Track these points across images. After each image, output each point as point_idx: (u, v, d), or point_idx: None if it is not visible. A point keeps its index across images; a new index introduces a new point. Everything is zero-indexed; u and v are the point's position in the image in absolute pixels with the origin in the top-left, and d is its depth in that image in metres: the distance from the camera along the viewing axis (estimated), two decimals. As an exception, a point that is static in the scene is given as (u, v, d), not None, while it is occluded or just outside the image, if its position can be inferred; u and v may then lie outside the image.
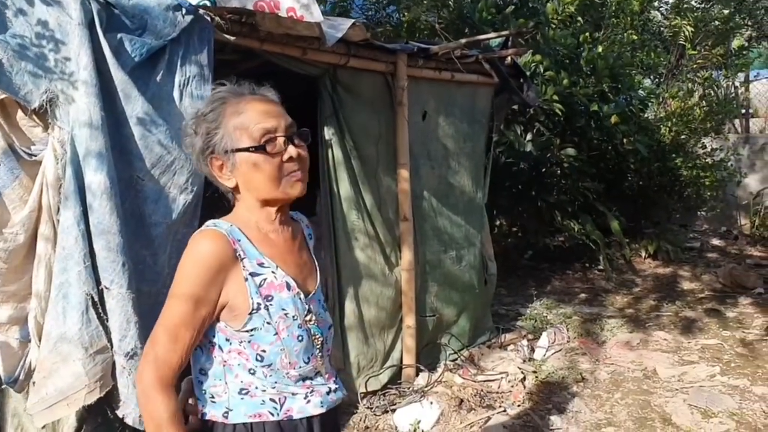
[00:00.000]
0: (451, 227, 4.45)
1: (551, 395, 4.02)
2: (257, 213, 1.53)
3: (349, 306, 3.80)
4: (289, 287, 1.51)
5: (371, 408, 3.77)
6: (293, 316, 1.50)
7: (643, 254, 7.39)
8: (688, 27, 7.61)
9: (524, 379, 4.19)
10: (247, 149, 1.46)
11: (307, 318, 1.55)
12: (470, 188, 4.63)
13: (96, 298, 2.43)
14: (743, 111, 10.07)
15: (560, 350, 4.75)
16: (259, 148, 1.45)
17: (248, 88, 1.53)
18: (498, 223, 7.47)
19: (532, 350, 4.70)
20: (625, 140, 6.66)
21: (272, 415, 1.50)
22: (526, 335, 4.97)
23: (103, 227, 2.43)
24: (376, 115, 3.88)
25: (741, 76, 9.87)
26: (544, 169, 6.74)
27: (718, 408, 3.75)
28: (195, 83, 2.75)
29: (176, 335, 1.42)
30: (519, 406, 3.86)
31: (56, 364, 2.40)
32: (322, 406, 1.57)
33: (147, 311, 2.48)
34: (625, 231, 7.04)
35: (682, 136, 7.40)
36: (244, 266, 1.45)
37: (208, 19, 2.82)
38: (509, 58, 4.66)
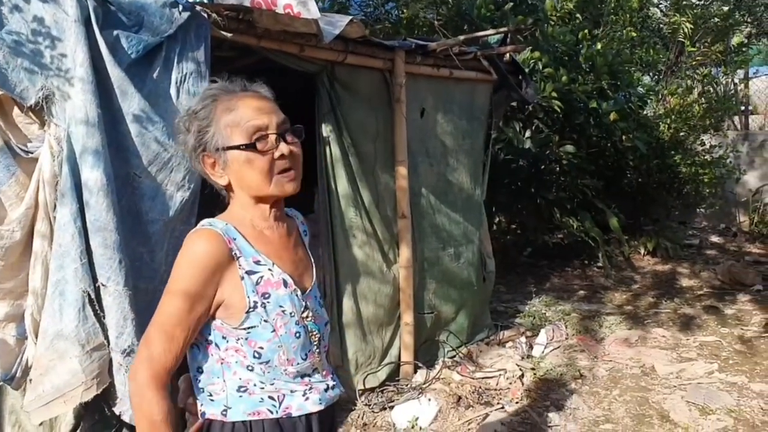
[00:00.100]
0: (450, 224, 4.45)
1: (549, 392, 4.02)
2: (251, 210, 1.53)
3: (347, 303, 3.80)
4: (286, 284, 1.50)
5: (369, 405, 3.77)
6: (290, 313, 1.50)
7: (642, 251, 7.40)
8: (688, 24, 7.61)
9: (522, 376, 4.19)
10: (237, 147, 1.45)
11: (304, 314, 1.54)
12: (469, 185, 4.62)
13: (93, 295, 2.43)
14: (742, 108, 10.06)
15: (559, 347, 4.75)
16: (250, 146, 1.44)
17: (240, 84, 1.51)
18: (497, 220, 7.48)
19: (531, 347, 4.70)
20: (624, 137, 6.67)
21: (271, 412, 1.50)
22: (525, 332, 4.97)
23: (99, 224, 2.42)
24: (374, 112, 3.87)
25: (740, 73, 9.87)
26: (543, 166, 6.74)
27: (716, 405, 3.76)
28: (192, 80, 2.74)
29: (171, 335, 1.42)
30: (517, 403, 3.86)
31: (53, 361, 2.40)
32: (320, 404, 1.57)
33: (144, 308, 2.47)
34: (624, 228, 7.05)
35: (681, 133, 7.41)
36: (240, 265, 1.45)
37: (205, 15, 2.81)
38: (508, 54, 4.66)
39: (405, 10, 6.36)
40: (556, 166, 6.79)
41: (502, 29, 4.70)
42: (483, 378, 4.13)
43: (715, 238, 8.42)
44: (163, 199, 2.67)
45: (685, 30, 7.67)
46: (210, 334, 1.49)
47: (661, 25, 8.67)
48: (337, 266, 3.76)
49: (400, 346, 4.12)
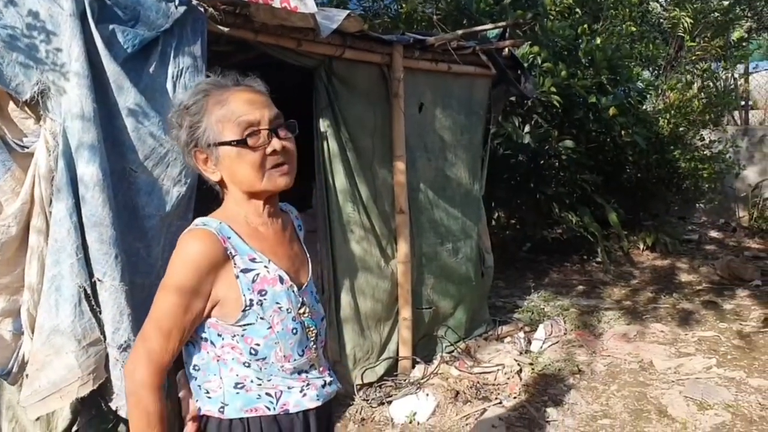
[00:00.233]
0: (448, 219, 4.45)
1: (547, 387, 4.02)
2: (245, 206, 1.51)
3: (345, 298, 3.80)
4: (282, 280, 1.49)
5: (367, 400, 3.78)
6: (287, 309, 1.49)
7: (642, 246, 7.40)
8: (687, 18, 7.59)
9: (520, 371, 4.19)
10: (229, 143, 1.43)
11: (301, 311, 1.53)
12: (467, 180, 4.62)
13: (89, 291, 2.43)
14: (742, 103, 10.04)
15: (557, 342, 4.75)
16: (241, 142, 1.42)
17: (232, 79, 1.49)
18: (496, 215, 7.48)
19: (529, 342, 4.70)
20: (623, 132, 6.65)
21: (268, 409, 1.49)
22: (523, 327, 4.97)
23: (95, 219, 2.41)
24: (372, 107, 3.86)
25: (740, 68, 9.84)
26: (542, 161, 6.74)
27: (714, 400, 3.76)
28: (188, 75, 2.73)
29: (168, 334, 1.42)
30: (515, 398, 3.86)
31: (49, 356, 2.40)
32: (318, 400, 1.56)
33: (140, 303, 2.47)
34: (623, 223, 7.05)
35: (681, 129, 7.39)
36: (235, 263, 1.43)
37: (202, 10, 2.80)
38: (506, 49, 4.64)
39: (404, 5, 6.34)
40: (555, 161, 6.79)
41: (500, 24, 4.68)
42: (481, 373, 4.13)
43: (714, 234, 8.41)
44: (159, 194, 2.66)
45: (685, 25, 7.65)
46: (205, 332, 1.48)
47: (661, 20, 8.64)
48: (335, 261, 3.76)
49: (398, 341, 4.12)
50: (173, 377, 1.65)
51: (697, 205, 8.73)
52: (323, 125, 3.62)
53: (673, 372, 4.20)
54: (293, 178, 1.50)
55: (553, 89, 5.65)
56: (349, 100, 3.73)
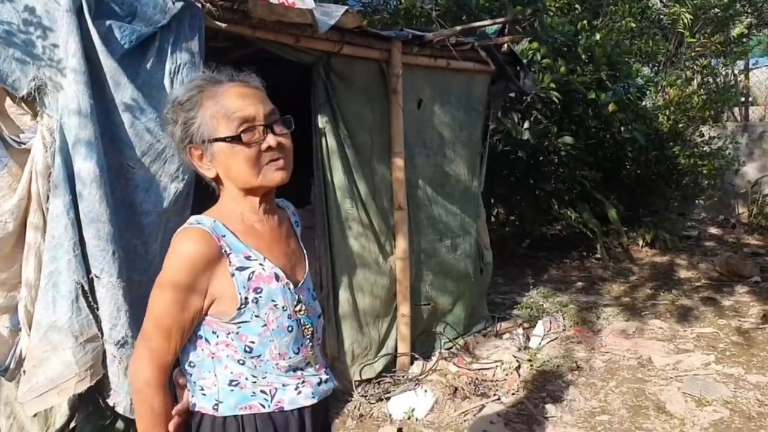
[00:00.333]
0: (447, 216, 4.44)
1: (546, 383, 4.02)
2: (241, 203, 1.50)
3: (344, 294, 3.80)
4: (277, 278, 1.48)
5: (366, 396, 3.78)
6: (282, 307, 1.48)
7: (641, 243, 7.39)
8: (687, 14, 7.58)
9: (519, 367, 4.19)
10: (223, 139, 1.42)
11: (297, 308, 1.53)
12: (466, 177, 4.61)
13: (86, 287, 2.43)
14: (742, 99, 10.02)
15: (556, 339, 4.75)
16: (236, 138, 1.41)
17: (227, 74, 1.48)
18: (495, 211, 7.47)
19: (528, 339, 4.70)
20: (622, 128, 6.65)
21: (263, 407, 1.49)
22: (522, 324, 4.97)
23: (92, 216, 2.41)
24: (371, 103, 3.85)
25: (741, 64, 9.82)
26: (541, 158, 6.73)
27: (713, 396, 3.76)
28: (186, 71, 2.72)
29: (168, 333, 1.43)
30: (513, 394, 3.86)
31: (46, 352, 2.40)
32: (313, 397, 1.55)
33: (138, 300, 2.47)
34: (622, 219, 7.04)
35: (680, 125, 7.39)
36: (230, 262, 1.43)
37: (199, 6, 2.79)
38: (506, 45, 4.63)
39: (402, 1, 6.32)
40: (554, 158, 6.78)
41: (499, 20, 4.67)
42: (479, 369, 4.13)
43: (713, 230, 8.41)
44: (157, 190, 2.66)
45: (685, 21, 7.64)
46: (200, 329, 1.48)
47: (661, 16, 8.63)
48: (334, 258, 3.75)
49: (397, 337, 4.12)
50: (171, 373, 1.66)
51: (697, 201, 8.72)
52: (321, 121, 3.61)
53: (672, 368, 4.20)
54: (289, 173, 1.49)
55: (552, 85, 5.64)
56: (348, 96, 3.72)
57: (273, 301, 1.47)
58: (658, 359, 4.33)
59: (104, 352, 2.49)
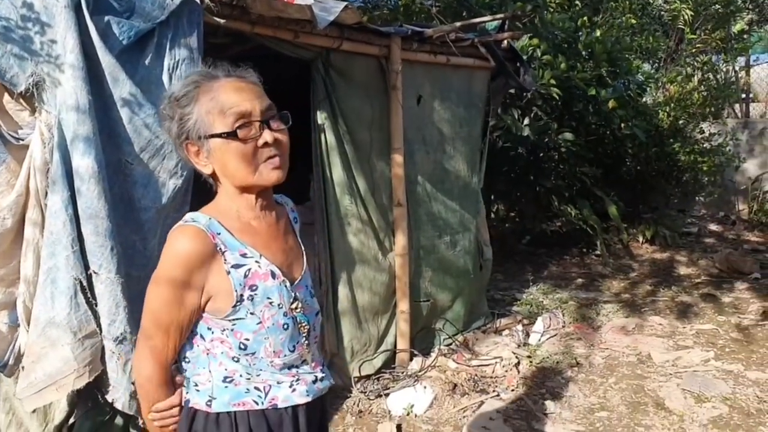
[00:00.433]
0: (446, 212, 4.44)
1: (545, 380, 4.03)
2: (238, 200, 1.49)
3: (343, 291, 3.80)
4: (274, 275, 1.48)
5: (365, 392, 3.78)
6: (278, 305, 1.47)
7: (641, 239, 7.39)
8: (688, 11, 7.57)
9: (518, 363, 4.19)
10: (219, 135, 1.40)
11: (293, 306, 1.52)
12: (466, 173, 4.60)
13: (84, 283, 2.42)
14: (743, 96, 10.00)
15: (555, 335, 4.75)
16: (231, 134, 1.40)
17: (224, 69, 1.46)
18: (495, 208, 7.46)
19: (527, 335, 4.70)
20: (623, 125, 6.64)
21: (256, 403, 1.48)
22: (522, 320, 4.97)
23: (91, 212, 2.41)
24: (370, 100, 3.85)
25: (741, 60, 9.80)
26: (541, 154, 6.72)
27: (712, 393, 3.76)
28: (184, 67, 2.71)
29: (167, 331, 1.44)
30: (513, 390, 3.87)
31: (45, 348, 2.40)
32: (307, 395, 1.55)
33: (136, 296, 2.45)
34: (622, 216, 7.04)
35: (681, 121, 7.38)
36: (225, 259, 1.42)
37: (198, 1, 2.77)
38: (506, 41, 4.62)
39: (403, -4, 6.31)
40: (554, 154, 6.77)
41: (499, 16, 4.66)
42: (479, 366, 4.13)
43: (713, 227, 8.40)
44: (155, 186, 2.66)
45: (686, 17, 7.63)
46: (195, 326, 1.48)
47: (662, 12, 8.61)
48: (333, 254, 3.75)
49: (396, 333, 4.12)
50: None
51: (697, 198, 8.71)
52: (320, 117, 3.60)
53: (671, 365, 4.20)
54: (286, 171, 1.48)
55: (552, 82, 5.63)
56: (347, 93, 3.71)
57: (268, 298, 1.46)
58: (658, 356, 4.33)
59: (103, 348, 2.49)
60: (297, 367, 1.55)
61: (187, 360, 1.51)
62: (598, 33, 6.27)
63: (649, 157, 7.27)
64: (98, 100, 2.47)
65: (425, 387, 3.77)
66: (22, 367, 2.45)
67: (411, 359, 4.15)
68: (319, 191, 3.72)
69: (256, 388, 1.49)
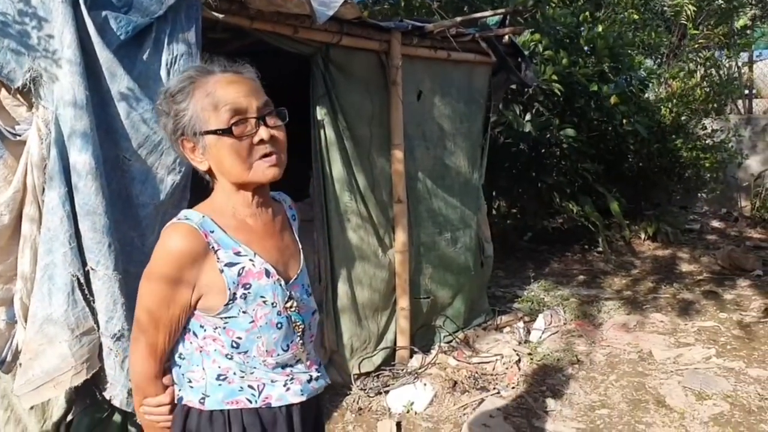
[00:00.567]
0: (447, 209, 4.42)
1: (546, 377, 4.01)
2: (234, 197, 1.48)
3: (342, 288, 3.78)
4: (268, 274, 1.46)
5: (364, 389, 3.77)
6: (272, 303, 1.46)
7: (643, 236, 7.36)
8: (691, 6, 7.52)
9: (519, 361, 4.18)
10: (214, 132, 1.39)
11: (288, 305, 1.50)
12: (466, 169, 4.58)
13: (82, 280, 2.41)
14: (746, 92, 9.96)
15: (556, 332, 4.74)
16: (227, 131, 1.38)
17: (219, 65, 1.45)
18: (497, 204, 7.44)
19: (528, 332, 4.69)
20: (624, 121, 6.61)
21: (250, 402, 1.47)
22: (523, 317, 4.96)
23: (88, 208, 2.39)
24: (370, 95, 3.83)
25: (744, 56, 9.75)
26: (543, 150, 6.70)
27: (713, 390, 3.75)
28: (183, 62, 2.69)
29: (158, 326, 1.43)
30: (513, 388, 3.85)
31: (42, 345, 2.39)
32: (302, 394, 1.53)
33: (134, 292, 2.38)
34: (624, 212, 7.01)
35: (683, 117, 7.34)
36: (218, 258, 1.41)
37: (196, -4, 2.76)
38: (507, 36, 4.60)
39: (404, -8, 6.28)
40: (556, 150, 6.75)
41: (500, 11, 4.63)
42: (479, 363, 4.12)
43: (716, 223, 8.37)
44: (153, 182, 2.64)
45: (688, 12, 7.58)
46: (188, 323, 1.47)
47: (664, 8, 8.55)
48: (332, 251, 3.73)
49: (396, 330, 4.11)
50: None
51: (699, 194, 8.68)
52: (320, 113, 3.58)
53: (672, 362, 4.19)
54: (283, 169, 1.46)
55: (554, 77, 5.60)
56: (347, 88, 3.69)
57: (262, 297, 1.44)
58: (659, 353, 4.31)
59: (100, 345, 2.48)
60: (291, 366, 1.53)
61: (181, 357, 1.50)
62: (600, 28, 6.24)
63: (651, 153, 7.24)
64: (96, 96, 2.45)
65: (425, 384, 3.76)
66: (20, 364, 2.44)
67: (411, 356, 4.14)
68: (318, 187, 3.70)
69: (250, 387, 1.48)
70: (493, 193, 6.98)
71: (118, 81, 2.50)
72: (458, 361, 4.11)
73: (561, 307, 5.23)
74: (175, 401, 1.51)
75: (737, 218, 8.54)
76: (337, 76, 3.63)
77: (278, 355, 1.49)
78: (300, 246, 1.64)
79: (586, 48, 6.21)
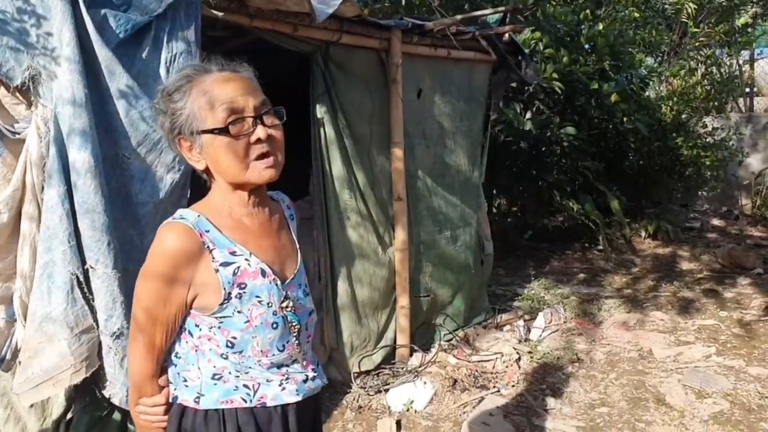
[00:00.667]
0: (447, 207, 4.42)
1: (546, 376, 4.01)
2: (230, 196, 1.48)
3: (342, 286, 3.78)
4: (264, 274, 1.46)
5: (364, 388, 3.77)
6: (267, 303, 1.45)
7: (643, 234, 7.36)
8: (691, 4, 7.51)
9: (519, 359, 4.18)
10: (211, 131, 1.38)
11: (284, 305, 1.49)
12: (467, 167, 4.58)
13: (81, 278, 2.41)
14: (747, 90, 9.94)
15: (557, 331, 4.73)
16: (223, 130, 1.37)
17: (217, 64, 1.44)
18: (497, 202, 7.44)
19: (529, 330, 4.69)
20: (625, 119, 6.61)
21: (245, 401, 1.47)
22: (523, 315, 4.96)
23: (87, 206, 2.39)
24: (370, 93, 3.82)
25: (745, 54, 9.74)
26: (543, 148, 6.69)
27: (713, 388, 3.74)
28: (182, 60, 2.69)
29: (153, 325, 1.43)
30: (513, 386, 3.85)
31: (42, 344, 2.39)
32: (297, 394, 1.53)
33: (133, 291, 2.45)
34: (625, 211, 7.01)
35: (684, 116, 7.33)
36: (213, 257, 1.40)
37: (195, -6, 2.76)
38: (507, 35, 4.59)
39: (405, -10, 6.26)
40: (556, 148, 6.74)
41: (501, 9, 4.62)
42: (479, 361, 4.12)
43: (716, 221, 8.36)
44: (153, 181, 2.64)
45: (689, 10, 7.58)
46: (184, 322, 1.47)
47: (665, 5, 8.55)
48: (332, 249, 3.73)
49: (396, 329, 4.11)
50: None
51: (700, 192, 8.67)
52: (320, 111, 3.58)
53: (672, 360, 4.19)
54: (280, 169, 1.45)
55: (554, 75, 5.59)
56: (347, 86, 3.69)
57: (257, 297, 1.44)
58: (659, 351, 4.31)
59: (100, 343, 2.48)
60: (287, 366, 1.53)
61: (177, 356, 1.50)
62: (600, 26, 6.23)
63: (652, 151, 7.23)
64: (95, 94, 2.45)
65: (425, 383, 3.76)
66: (19, 362, 2.44)
67: (411, 355, 4.14)
68: (318, 185, 3.70)
69: (245, 386, 1.47)
70: (494, 192, 6.98)
71: (118, 79, 2.50)
72: (458, 359, 4.11)
73: (561, 305, 5.23)
74: (170, 401, 1.51)
75: (738, 216, 8.53)
76: (337, 74, 3.62)
77: (274, 355, 1.49)
78: (298, 246, 1.63)
79: (586, 46, 6.20)
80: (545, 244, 7.34)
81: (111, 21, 2.49)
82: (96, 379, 2.53)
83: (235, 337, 1.44)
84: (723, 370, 3.99)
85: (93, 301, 2.44)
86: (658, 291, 5.69)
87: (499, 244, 5.51)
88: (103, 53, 2.46)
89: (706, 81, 7.54)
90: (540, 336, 4.61)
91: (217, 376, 1.46)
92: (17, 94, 2.43)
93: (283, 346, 1.50)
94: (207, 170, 1.47)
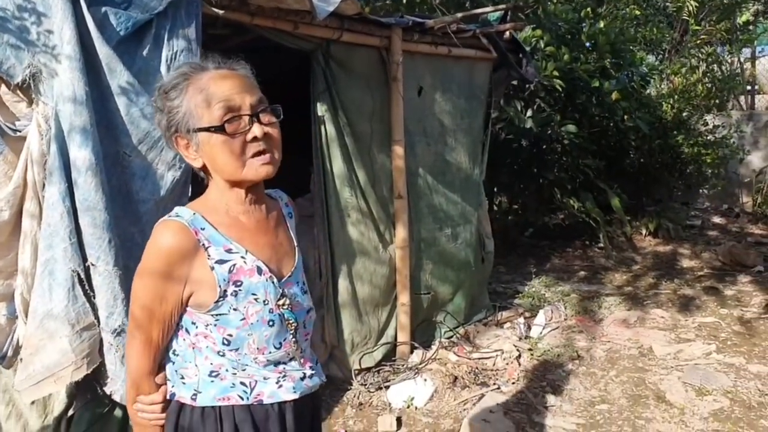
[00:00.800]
0: (447, 205, 4.42)
1: (546, 373, 4.02)
2: (227, 194, 1.48)
3: (343, 283, 3.79)
4: (260, 272, 1.46)
5: (365, 385, 3.78)
6: (264, 301, 1.46)
7: (644, 232, 7.37)
8: (693, 1, 7.51)
9: (520, 356, 4.19)
10: (207, 129, 1.39)
11: (280, 302, 1.49)
12: (467, 165, 4.58)
13: (82, 275, 2.41)
14: (748, 87, 9.94)
15: (557, 328, 4.74)
16: (219, 128, 1.38)
17: (213, 61, 1.44)
18: (498, 200, 7.45)
19: (529, 328, 4.69)
20: (626, 117, 6.61)
21: (242, 398, 1.47)
22: (523, 313, 4.96)
23: (88, 204, 2.40)
24: (371, 91, 3.82)
25: (747, 51, 9.73)
26: (544, 146, 6.69)
27: (713, 386, 3.75)
28: (182, 58, 2.69)
29: (149, 322, 1.44)
30: (513, 383, 3.86)
31: (43, 340, 2.39)
32: (295, 392, 1.53)
33: (134, 288, 2.46)
34: (625, 208, 7.01)
35: (684, 113, 7.34)
36: (209, 255, 1.41)
37: (196, -8, 2.76)
38: (508, 32, 4.59)
39: (406, -12, 6.26)
40: (557, 146, 6.74)
41: (501, 6, 4.61)
42: (480, 358, 4.12)
43: (717, 219, 8.37)
44: (153, 178, 2.64)
45: (690, 8, 7.57)
46: (181, 319, 1.47)
47: (666, 3, 8.54)
48: (333, 246, 3.73)
49: (397, 326, 4.11)
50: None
51: (700, 190, 8.68)
52: (321, 109, 3.58)
53: (673, 358, 4.19)
54: (277, 166, 1.45)
55: (555, 73, 5.59)
56: (347, 84, 3.69)
57: (253, 294, 1.44)
58: (659, 348, 4.32)
59: (101, 340, 2.48)
60: (284, 363, 1.53)
61: (175, 353, 1.51)
62: (601, 24, 6.23)
63: (653, 149, 7.23)
64: (95, 92, 2.45)
65: (425, 380, 3.77)
66: (21, 359, 2.44)
67: (411, 352, 4.15)
68: (319, 183, 3.70)
69: (242, 383, 1.48)
70: (494, 189, 6.98)
71: (118, 77, 2.50)
72: (458, 356, 4.11)
73: (561, 302, 5.24)
74: (168, 398, 1.51)
75: (738, 214, 8.54)
76: (338, 72, 3.62)
77: (270, 352, 1.49)
78: (296, 243, 1.63)
79: (587, 44, 6.20)
80: (546, 242, 7.34)
81: (112, 19, 2.50)
82: (97, 376, 2.53)
83: (231, 335, 1.44)
84: (723, 368, 4.00)
85: (94, 298, 2.45)
86: (659, 288, 5.70)
87: (500, 241, 5.52)
88: (103, 51, 2.46)
89: (707, 79, 7.55)
90: (540, 333, 4.61)
91: (214, 374, 1.47)
92: (18, 91, 2.43)
93: (280, 343, 1.50)
94: (204, 168, 1.48)
